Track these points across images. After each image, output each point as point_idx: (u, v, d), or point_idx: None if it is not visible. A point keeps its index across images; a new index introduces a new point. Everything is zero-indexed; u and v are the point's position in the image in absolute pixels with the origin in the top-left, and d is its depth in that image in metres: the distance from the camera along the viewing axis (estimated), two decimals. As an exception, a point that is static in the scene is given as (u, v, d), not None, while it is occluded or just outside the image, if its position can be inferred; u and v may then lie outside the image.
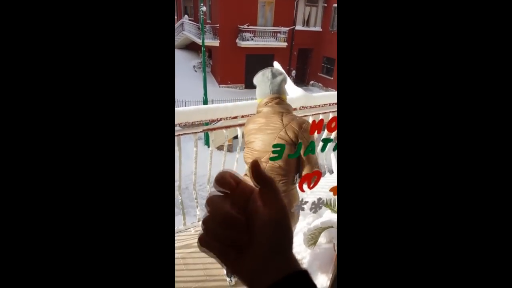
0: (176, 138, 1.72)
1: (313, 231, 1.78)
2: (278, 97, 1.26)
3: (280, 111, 1.24)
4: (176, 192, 1.96)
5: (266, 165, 1.25)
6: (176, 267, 1.73)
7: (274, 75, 1.26)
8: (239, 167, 1.73)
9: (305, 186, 1.20)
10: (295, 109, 2.18)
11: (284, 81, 1.29)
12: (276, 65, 2.55)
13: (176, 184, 1.94)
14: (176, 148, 1.77)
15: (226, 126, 1.91)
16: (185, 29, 14.40)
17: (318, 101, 2.27)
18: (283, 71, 1.34)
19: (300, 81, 15.15)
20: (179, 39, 14.88)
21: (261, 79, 1.27)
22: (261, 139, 1.25)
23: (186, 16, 15.16)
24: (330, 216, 2.00)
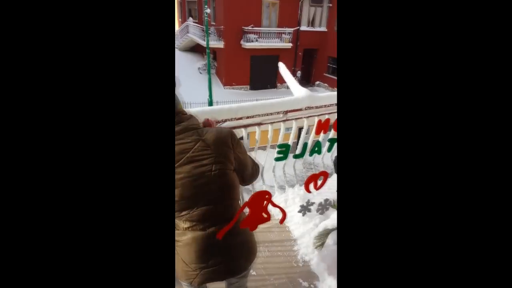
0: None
1: (320, 232, 1.76)
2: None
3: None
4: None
5: None
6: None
7: None
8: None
9: (311, 187, 1.19)
10: (300, 109, 2.16)
11: None
12: (281, 66, 2.53)
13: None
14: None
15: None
16: (190, 32, 14.48)
17: (323, 101, 2.25)
18: None
19: (306, 81, 15.14)
20: (183, 41, 14.97)
21: None
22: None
23: (190, 18, 15.25)
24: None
